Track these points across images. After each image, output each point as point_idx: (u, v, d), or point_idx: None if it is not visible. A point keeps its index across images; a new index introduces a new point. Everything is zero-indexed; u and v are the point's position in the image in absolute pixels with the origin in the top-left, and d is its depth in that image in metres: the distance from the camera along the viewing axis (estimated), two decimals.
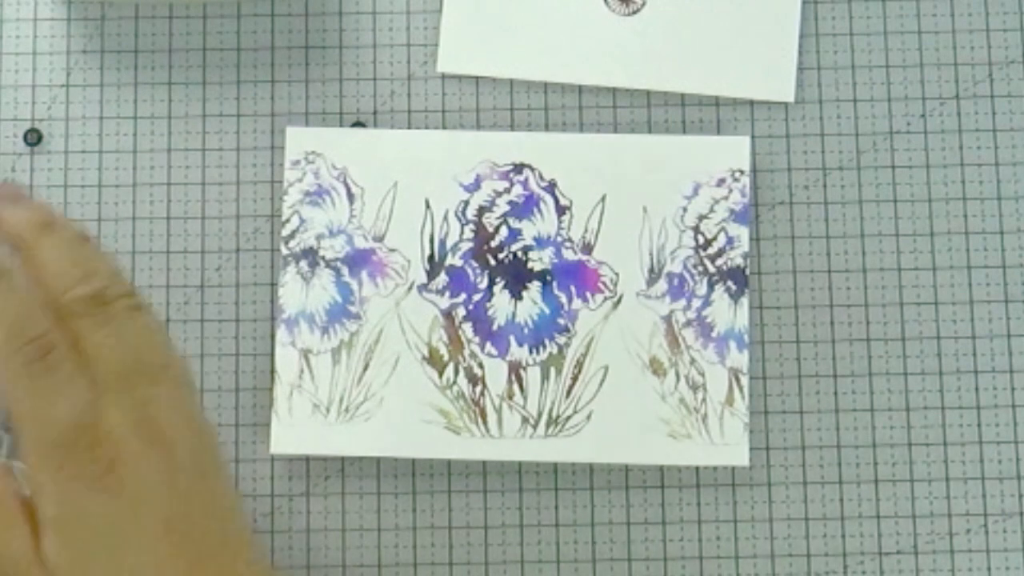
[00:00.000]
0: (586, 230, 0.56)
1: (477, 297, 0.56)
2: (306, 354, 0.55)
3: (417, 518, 0.55)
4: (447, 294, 0.56)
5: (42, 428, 0.39)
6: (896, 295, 0.57)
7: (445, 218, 0.56)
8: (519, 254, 0.56)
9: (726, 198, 0.56)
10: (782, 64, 0.58)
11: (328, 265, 0.56)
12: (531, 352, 0.55)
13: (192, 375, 0.43)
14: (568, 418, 0.55)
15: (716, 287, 0.56)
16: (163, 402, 0.40)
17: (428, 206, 0.56)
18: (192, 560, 0.40)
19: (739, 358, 0.55)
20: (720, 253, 0.56)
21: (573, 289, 0.56)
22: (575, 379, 0.55)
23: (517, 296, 0.56)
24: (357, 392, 0.55)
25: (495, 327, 0.56)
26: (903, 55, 0.58)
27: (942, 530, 0.55)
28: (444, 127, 0.58)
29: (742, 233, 0.56)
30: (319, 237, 0.56)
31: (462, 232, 0.56)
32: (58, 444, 0.39)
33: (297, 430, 0.55)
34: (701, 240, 0.56)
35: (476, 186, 0.57)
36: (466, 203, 0.56)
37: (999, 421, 0.56)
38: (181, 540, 0.40)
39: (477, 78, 0.58)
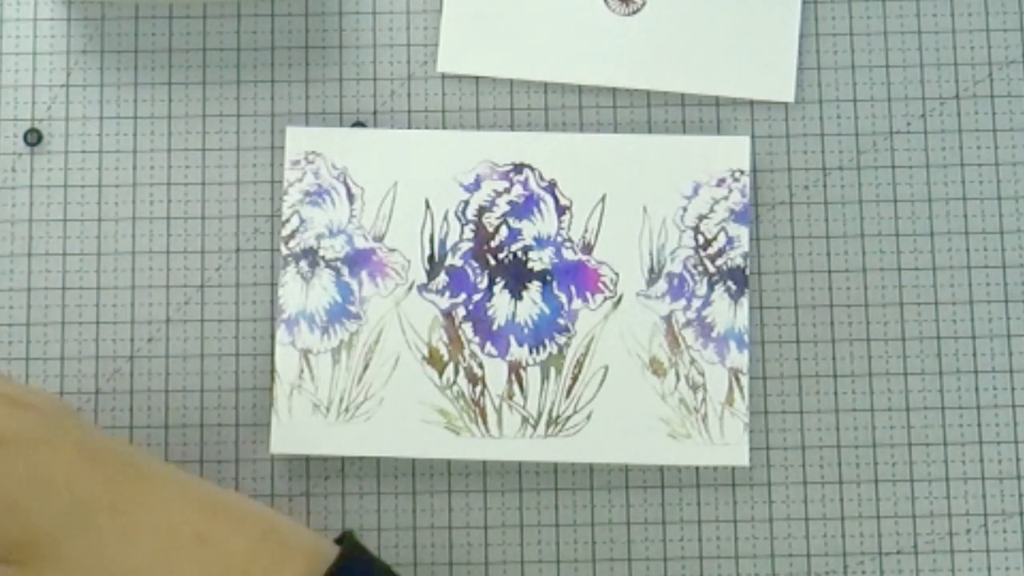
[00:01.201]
0: (586, 230, 0.56)
1: (477, 297, 0.56)
2: (306, 354, 0.55)
3: (417, 518, 0.55)
4: (447, 294, 0.56)
5: None
6: (896, 295, 0.57)
7: (445, 218, 0.56)
8: (519, 254, 0.56)
9: (726, 198, 0.56)
10: (782, 64, 0.58)
11: (328, 265, 0.56)
12: (531, 352, 0.55)
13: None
14: (568, 418, 0.55)
15: (716, 287, 0.56)
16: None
17: (428, 206, 0.56)
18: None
19: (739, 358, 0.55)
20: (720, 253, 0.56)
21: (573, 289, 0.56)
22: (575, 379, 0.55)
23: (517, 296, 0.56)
24: (357, 392, 0.55)
25: (495, 327, 0.56)
26: (903, 55, 0.58)
27: (942, 530, 0.55)
28: (444, 127, 0.58)
29: (742, 233, 0.56)
30: (319, 237, 0.56)
31: (462, 232, 0.56)
32: None
33: (297, 430, 0.55)
34: (701, 240, 0.56)
35: (476, 186, 0.57)
36: (466, 203, 0.56)
37: (999, 421, 0.56)
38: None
39: (477, 78, 0.58)
